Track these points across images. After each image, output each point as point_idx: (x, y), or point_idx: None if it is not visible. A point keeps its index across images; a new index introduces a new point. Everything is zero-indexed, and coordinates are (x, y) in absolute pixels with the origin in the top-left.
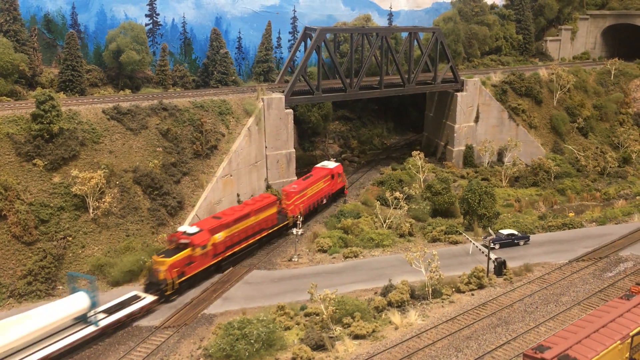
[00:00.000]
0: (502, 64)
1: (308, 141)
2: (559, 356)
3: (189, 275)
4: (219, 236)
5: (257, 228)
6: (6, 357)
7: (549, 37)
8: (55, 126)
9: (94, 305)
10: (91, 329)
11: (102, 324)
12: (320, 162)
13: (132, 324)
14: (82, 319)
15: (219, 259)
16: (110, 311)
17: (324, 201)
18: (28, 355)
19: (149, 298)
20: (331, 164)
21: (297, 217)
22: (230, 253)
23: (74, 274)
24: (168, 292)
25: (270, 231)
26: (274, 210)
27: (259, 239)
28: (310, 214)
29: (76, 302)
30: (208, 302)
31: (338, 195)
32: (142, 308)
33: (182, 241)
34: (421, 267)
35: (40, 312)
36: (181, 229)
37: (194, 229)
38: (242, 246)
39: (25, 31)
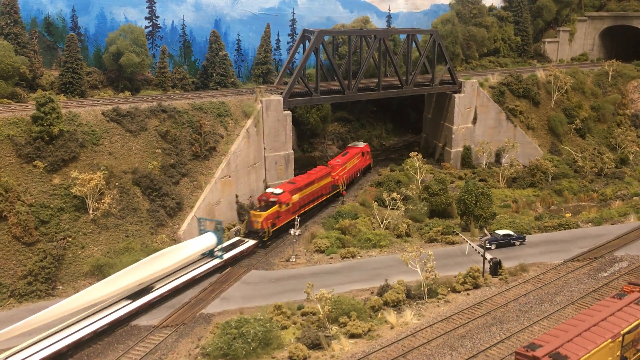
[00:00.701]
0: (500, 65)
1: (307, 142)
2: (551, 354)
3: (278, 226)
4: (295, 197)
5: (319, 193)
6: (160, 279)
7: (547, 38)
8: (55, 128)
9: (219, 243)
10: (217, 261)
11: (225, 257)
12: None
13: (130, 323)
14: (210, 254)
15: (295, 215)
16: (226, 250)
17: (358, 174)
18: (178, 278)
19: (251, 242)
20: (361, 144)
21: (342, 185)
22: (302, 212)
23: (203, 219)
24: (265, 239)
25: (327, 196)
26: (329, 179)
27: (319, 202)
28: (350, 184)
29: (207, 240)
30: (206, 302)
31: (367, 170)
32: (247, 248)
33: (272, 199)
34: (417, 267)
35: (183, 246)
36: (269, 190)
37: (279, 191)
38: (310, 207)
39: (25, 34)
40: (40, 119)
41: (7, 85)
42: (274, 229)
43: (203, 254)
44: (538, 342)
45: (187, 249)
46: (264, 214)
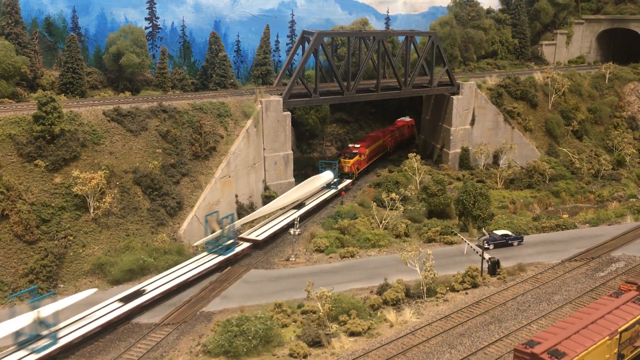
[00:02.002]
0: (498, 67)
1: (306, 143)
2: (549, 351)
3: (360, 170)
4: (367, 150)
5: (378, 150)
6: (307, 198)
7: (544, 41)
8: (56, 127)
9: (335, 177)
10: (333, 191)
11: (338, 187)
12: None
13: (132, 321)
14: (328, 186)
15: (369, 163)
16: (337, 184)
17: (404, 141)
18: (318, 197)
19: (348, 180)
20: (407, 118)
21: (390, 147)
22: (371, 162)
23: (324, 162)
24: (353, 178)
25: (382, 154)
26: (381, 142)
27: (378, 157)
28: (398, 146)
29: (328, 176)
30: (207, 301)
31: (411, 140)
32: (348, 184)
33: (354, 151)
34: (416, 267)
35: (320, 176)
36: (350, 145)
37: (358, 145)
38: (374, 159)
39: (26, 34)
40: (41, 118)
41: (8, 85)
42: (358, 172)
43: (328, 184)
44: (537, 340)
45: (322, 179)
46: (351, 160)
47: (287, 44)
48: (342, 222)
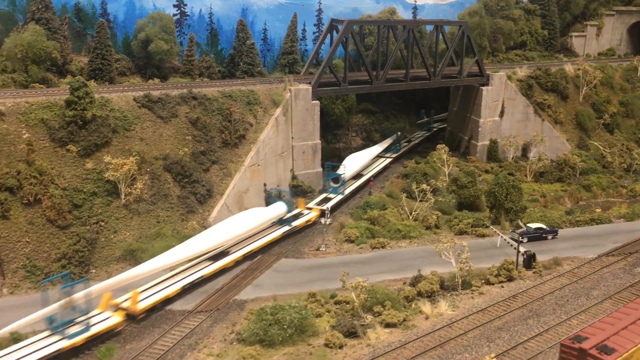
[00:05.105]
0: (526, 59)
1: (331, 134)
2: (597, 346)
3: None
4: None
5: None
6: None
7: (574, 32)
8: (88, 113)
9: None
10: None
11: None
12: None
13: (165, 308)
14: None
15: None
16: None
17: None
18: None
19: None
20: None
21: None
22: None
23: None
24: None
25: None
26: None
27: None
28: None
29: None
30: (239, 289)
31: None
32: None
33: None
34: (451, 258)
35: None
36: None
37: None
38: None
39: (56, 19)
40: (74, 103)
41: (39, 69)
42: None
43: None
44: (584, 335)
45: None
46: None
47: (313, 33)
48: (371, 213)
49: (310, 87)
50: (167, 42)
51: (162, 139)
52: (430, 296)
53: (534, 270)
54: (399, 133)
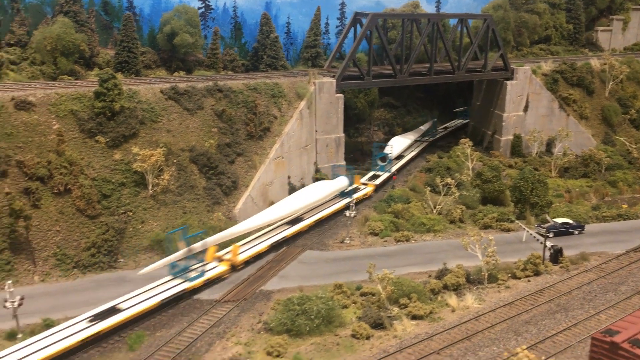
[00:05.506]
0: (551, 53)
1: (353, 127)
2: (630, 340)
3: None
4: None
5: None
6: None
7: (599, 27)
8: (117, 104)
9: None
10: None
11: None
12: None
13: (193, 297)
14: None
15: None
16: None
17: None
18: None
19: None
20: None
21: None
22: None
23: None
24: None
25: None
26: None
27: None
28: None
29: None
30: (265, 279)
31: None
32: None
33: None
34: (477, 252)
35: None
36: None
37: None
38: None
39: (84, 12)
40: (103, 94)
41: (67, 62)
42: None
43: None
44: (615, 328)
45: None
46: None
47: (336, 27)
48: (395, 206)
49: (335, 80)
50: (192, 35)
51: (188, 131)
52: (456, 289)
53: (561, 265)
54: (435, 120)
